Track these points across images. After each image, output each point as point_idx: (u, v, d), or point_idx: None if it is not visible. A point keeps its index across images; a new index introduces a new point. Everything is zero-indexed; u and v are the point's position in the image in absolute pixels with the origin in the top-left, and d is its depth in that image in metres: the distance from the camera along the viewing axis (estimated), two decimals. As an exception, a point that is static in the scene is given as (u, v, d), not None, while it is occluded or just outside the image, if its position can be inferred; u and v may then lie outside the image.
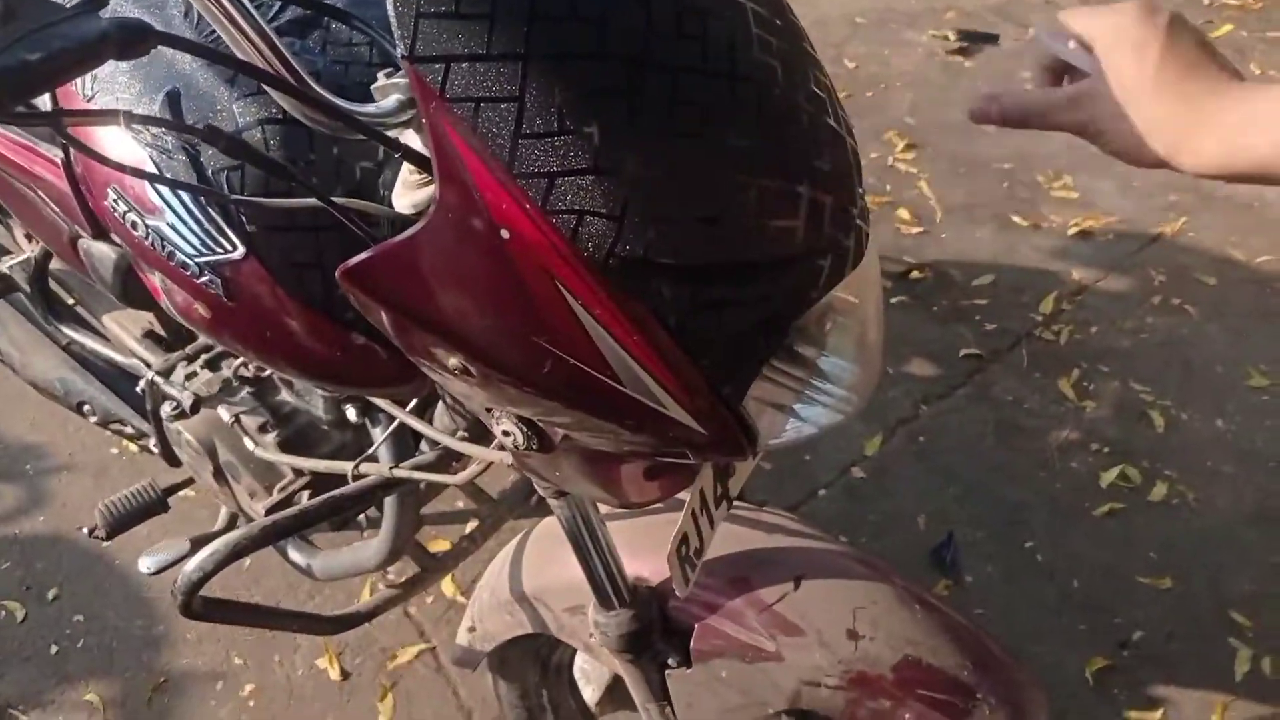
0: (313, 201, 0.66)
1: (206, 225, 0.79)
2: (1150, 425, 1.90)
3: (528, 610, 1.02)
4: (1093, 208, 2.32)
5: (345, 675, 1.55)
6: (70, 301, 1.51)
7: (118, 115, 0.62)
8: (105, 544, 1.71)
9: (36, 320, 1.46)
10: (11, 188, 1.15)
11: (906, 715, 0.86)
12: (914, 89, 2.64)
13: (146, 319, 1.38)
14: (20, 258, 1.44)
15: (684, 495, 0.82)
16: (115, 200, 0.82)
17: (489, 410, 0.70)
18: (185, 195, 0.78)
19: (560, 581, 0.98)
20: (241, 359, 1.17)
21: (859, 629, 0.88)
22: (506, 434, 0.72)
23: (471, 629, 1.08)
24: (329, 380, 0.91)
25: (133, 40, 0.53)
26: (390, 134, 0.60)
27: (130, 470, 1.83)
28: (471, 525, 1.64)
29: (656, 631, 0.95)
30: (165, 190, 0.79)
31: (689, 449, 0.66)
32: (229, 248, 0.79)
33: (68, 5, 0.57)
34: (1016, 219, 2.31)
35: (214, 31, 0.72)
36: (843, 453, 1.85)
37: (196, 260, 0.80)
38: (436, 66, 0.52)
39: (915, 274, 2.18)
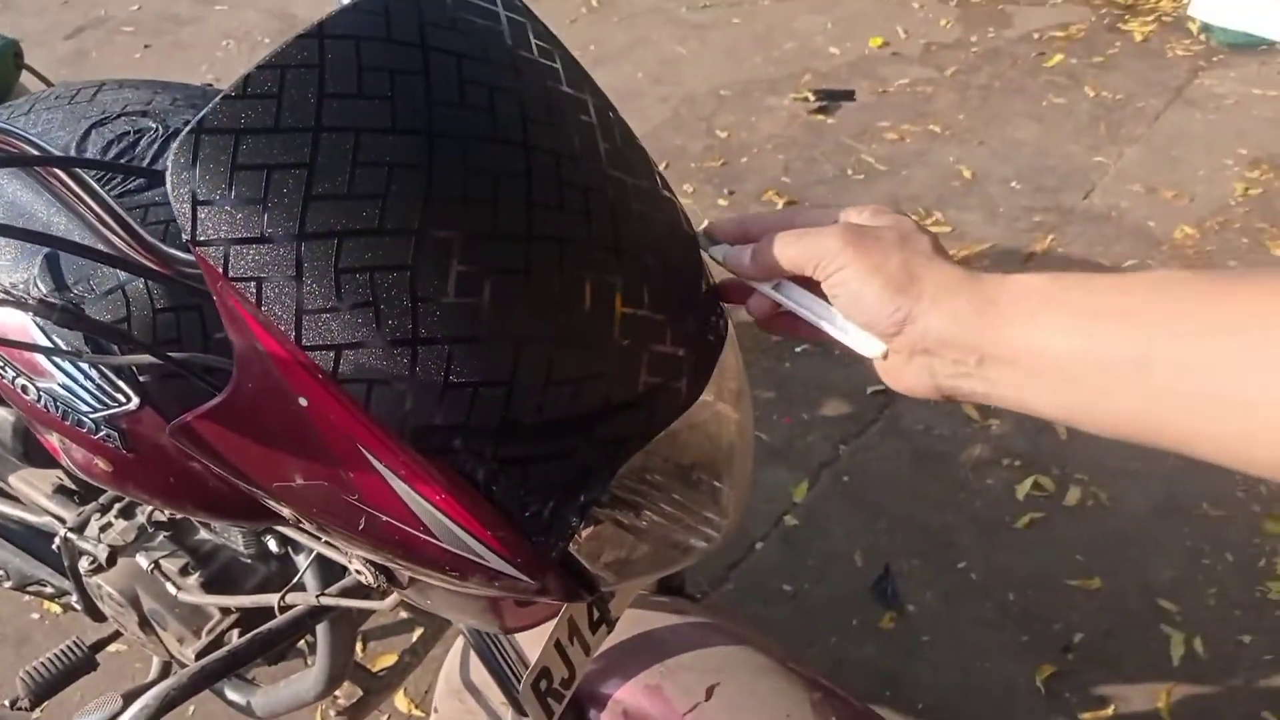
0: (148, 358, 0.68)
1: (98, 381, 0.79)
2: (1054, 434, 1.99)
3: (473, 699, 1.01)
4: (966, 238, 2.45)
5: (303, 815, 1.50)
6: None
7: None
8: (35, 715, 1.63)
9: (-65, 490, 1.41)
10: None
11: None
12: (784, 150, 2.77)
13: (55, 475, 1.35)
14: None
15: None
16: (3, 367, 0.82)
17: (341, 550, 0.71)
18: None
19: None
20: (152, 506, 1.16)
21: None
22: (359, 572, 0.74)
23: (435, 710, 1.07)
24: (239, 518, 0.91)
25: None
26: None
27: (54, 633, 1.76)
28: (416, 634, 1.63)
29: None
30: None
31: (522, 595, 0.65)
32: (123, 400, 0.79)
33: None
34: (899, 257, 2.42)
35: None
36: (773, 503, 1.89)
37: (92, 417, 0.80)
38: (218, 249, 0.53)
39: (813, 323, 2.27)
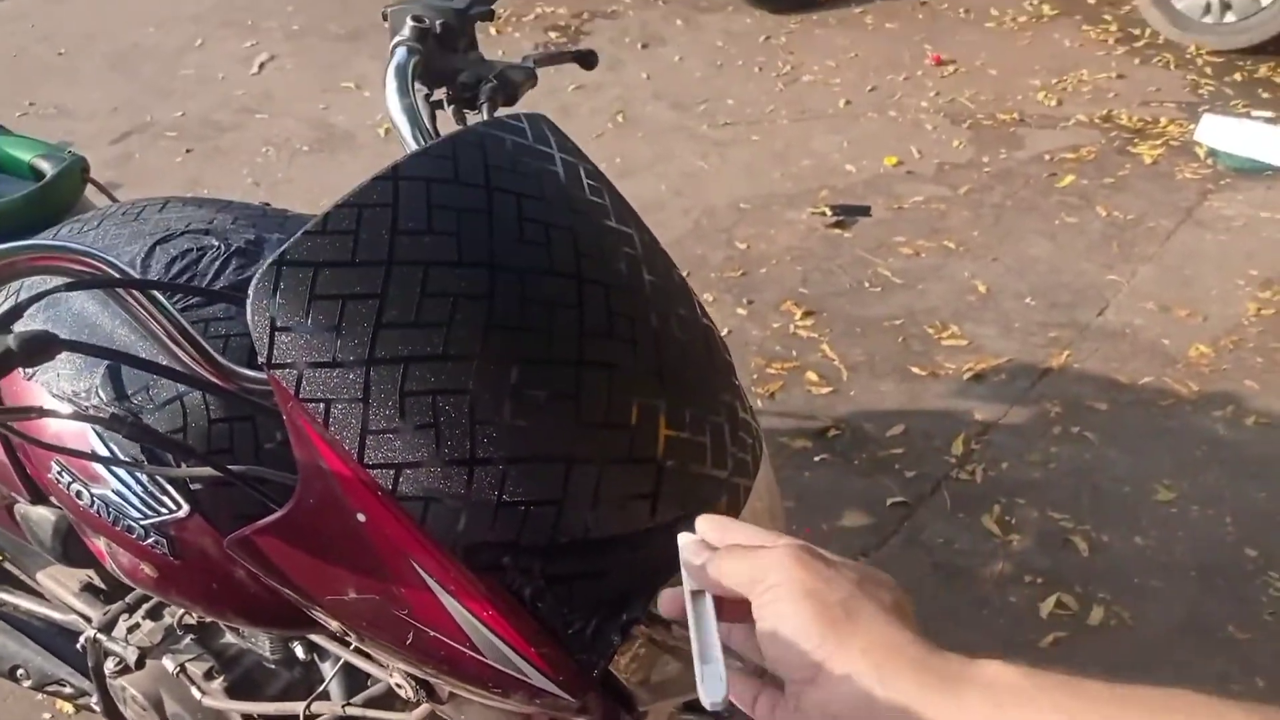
0: (209, 470, 0.71)
1: (150, 488, 0.82)
2: (1075, 551, 1.98)
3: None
4: (982, 351, 2.48)
5: None
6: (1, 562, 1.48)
7: (34, 410, 0.68)
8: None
9: (-36, 588, 1.43)
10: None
11: None
12: (802, 261, 2.84)
13: (84, 573, 1.36)
14: (-57, 526, 1.42)
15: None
16: (59, 473, 0.85)
17: (383, 664, 0.73)
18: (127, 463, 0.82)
19: None
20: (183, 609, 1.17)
21: None
22: (399, 686, 0.75)
23: None
24: (275, 625, 0.92)
25: (35, 351, 0.59)
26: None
27: (62, 741, 1.74)
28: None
29: None
30: (107, 461, 0.82)
31: (562, 714, 0.66)
32: (173, 508, 0.82)
33: None
34: (915, 370, 2.45)
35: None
36: (790, 618, 1.88)
37: (141, 523, 0.82)
38: (291, 372, 0.57)
39: (832, 431, 2.28)
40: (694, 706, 1.07)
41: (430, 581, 0.59)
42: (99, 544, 0.89)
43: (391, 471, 0.58)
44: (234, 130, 3.62)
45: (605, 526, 0.60)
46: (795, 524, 2.07)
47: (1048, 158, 3.27)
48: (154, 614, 1.22)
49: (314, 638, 1.04)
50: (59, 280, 0.68)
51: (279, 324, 0.58)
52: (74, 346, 0.64)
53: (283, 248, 0.60)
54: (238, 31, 4.28)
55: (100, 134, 3.59)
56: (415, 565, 0.59)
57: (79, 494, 0.84)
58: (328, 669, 1.09)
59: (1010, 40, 4.00)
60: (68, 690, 1.42)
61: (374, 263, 0.60)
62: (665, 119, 3.58)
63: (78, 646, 1.30)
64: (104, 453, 0.82)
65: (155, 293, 0.69)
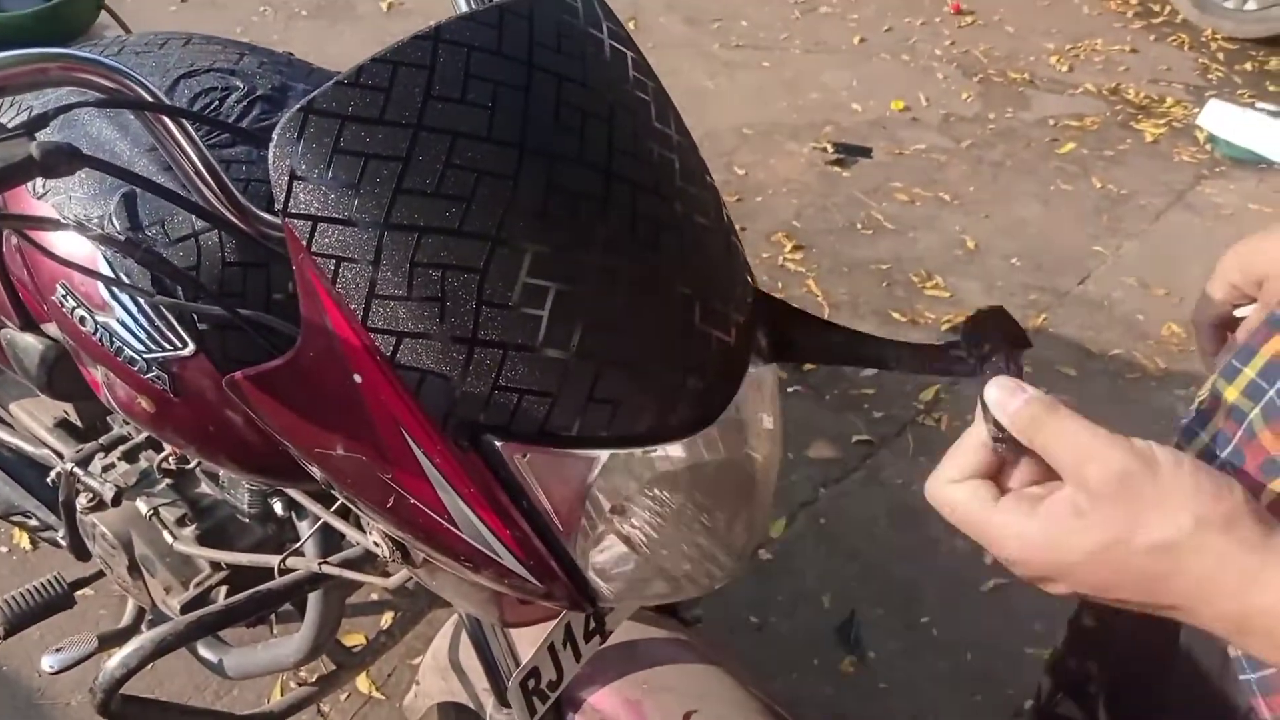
0: (218, 310, 0.71)
1: (157, 323, 0.81)
2: (1026, 505, 2.04)
3: (457, 681, 1.03)
4: (962, 305, 2.51)
5: (253, 779, 1.49)
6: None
7: (49, 221, 0.67)
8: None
9: (-66, 412, 1.41)
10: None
11: None
12: (797, 195, 2.83)
13: (60, 409, 1.36)
14: (-81, 346, 1.40)
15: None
16: (64, 296, 0.84)
17: (365, 522, 0.74)
18: (138, 294, 0.81)
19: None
20: (163, 453, 1.17)
21: None
22: (376, 544, 0.76)
23: (417, 683, 1.09)
24: (265, 474, 0.93)
25: (57, 163, 0.58)
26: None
27: (21, 569, 1.75)
28: (388, 618, 1.64)
29: None
30: (116, 289, 0.82)
31: (527, 595, 0.67)
32: (178, 345, 0.81)
33: (9, 125, 0.61)
34: (896, 314, 2.48)
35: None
36: (747, 537, 1.93)
37: (145, 356, 0.82)
38: (305, 224, 0.56)
39: (808, 366, 2.31)
40: (662, 609, 1.10)
41: (417, 451, 0.59)
42: (96, 374, 0.89)
43: (393, 339, 0.57)
44: (232, -15, 3.50)
45: (595, 425, 0.59)
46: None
47: (1052, 122, 3.27)
48: (130, 456, 1.22)
49: (294, 494, 1.05)
50: (85, 96, 0.66)
51: (299, 173, 0.57)
52: (97, 164, 0.63)
53: (311, 95, 0.59)
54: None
55: (91, -30, 3.45)
56: (404, 433, 0.59)
57: (82, 319, 0.83)
58: (304, 528, 1.11)
59: (1031, -1, 3.96)
60: (32, 523, 1.42)
61: (402, 124, 0.58)
62: (677, 32, 3.51)
63: (48, 480, 1.30)
64: (115, 283, 0.81)
65: (185, 123, 0.67)
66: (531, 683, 0.84)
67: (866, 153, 3.01)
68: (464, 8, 0.80)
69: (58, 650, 1.24)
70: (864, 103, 3.25)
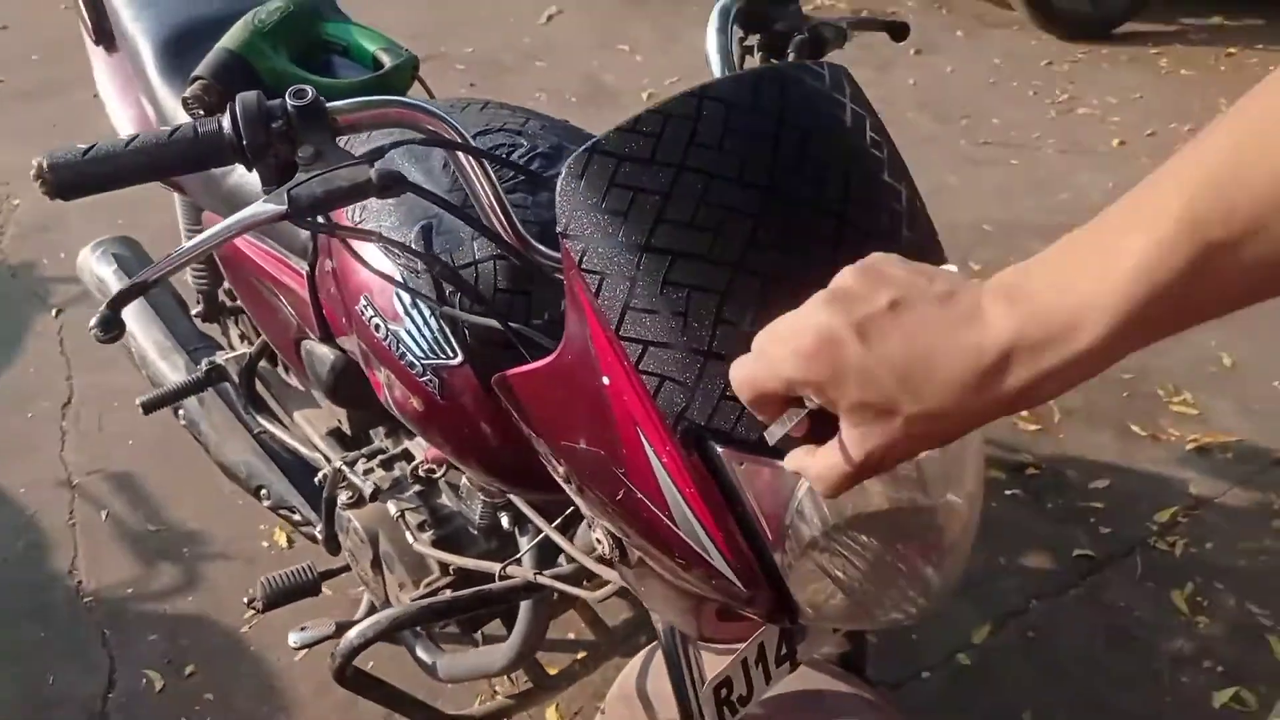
0: (493, 322, 0.83)
1: (435, 334, 0.95)
2: (1268, 650, 1.85)
3: (640, 709, 1.08)
4: (1211, 425, 2.34)
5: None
6: (268, 398, 1.70)
7: (374, 235, 0.81)
8: (244, 630, 1.85)
9: (236, 410, 1.66)
10: (254, 290, 1.36)
11: None
12: (1037, 297, 2.75)
13: (334, 420, 1.56)
14: (235, 354, 1.66)
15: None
16: (364, 306, 1.00)
17: (589, 518, 0.82)
18: (423, 308, 0.95)
19: (665, 691, 1.05)
20: (414, 463, 1.32)
21: None
22: (598, 541, 0.84)
23: (601, 712, 1.15)
24: (503, 479, 1.04)
25: (388, 186, 0.72)
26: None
27: (276, 563, 1.98)
28: (584, 655, 1.72)
29: None
30: (408, 303, 0.96)
31: (730, 601, 0.73)
32: (450, 354, 0.95)
33: (355, 154, 0.76)
34: (1135, 428, 2.34)
35: (456, 185, 0.92)
36: (950, 636, 1.86)
37: (422, 361, 0.96)
38: (579, 244, 0.67)
39: (1031, 470, 2.23)
40: (849, 664, 1.12)
41: (649, 449, 0.66)
42: (380, 376, 1.04)
43: (639, 346, 0.65)
44: (515, 73, 3.89)
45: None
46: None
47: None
48: (387, 465, 1.39)
49: (521, 505, 1.15)
50: (411, 135, 0.81)
51: (580, 201, 0.68)
52: (419, 190, 0.76)
53: (596, 137, 0.70)
54: (533, -19, 4.56)
55: (399, 54, 3.95)
56: (639, 432, 0.66)
57: (377, 326, 0.99)
58: (524, 543, 1.21)
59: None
60: (296, 517, 1.62)
61: (668, 165, 0.68)
62: (924, 128, 3.54)
63: (315, 481, 1.49)
64: (407, 294, 0.95)
65: (486, 163, 0.81)
66: (724, 692, 0.89)
67: (1115, 260, 2.89)
68: (718, 74, 0.90)
69: (302, 629, 1.41)
70: (1117, 209, 3.13)
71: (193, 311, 1.87)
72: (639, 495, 0.69)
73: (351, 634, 1.11)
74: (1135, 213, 0.44)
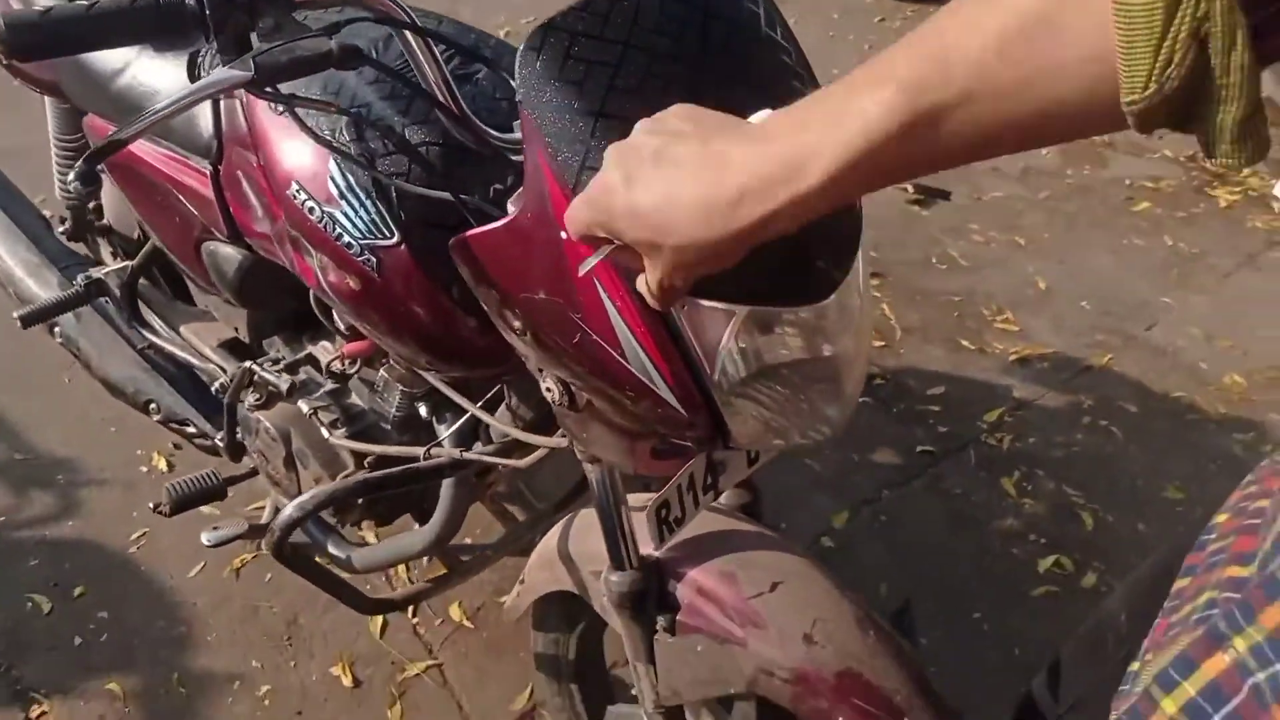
0: (445, 195, 0.90)
1: (372, 214, 1.00)
2: (1081, 524, 2.14)
3: (563, 569, 1.18)
4: (1030, 340, 2.63)
5: (357, 683, 1.66)
6: (150, 315, 1.68)
7: (331, 106, 0.87)
8: (133, 551, 1.83)
9: (118, 325, 1.63)
10: (150, 193, 1.35)
11: (841, 718, 0.99)
12: (877, 228, 2.98)
13: (225, 332, 1.56)
14: (114, 267, 1.63)
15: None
16: (296, 191, 1.04)
17: (540, 370, 0.90)
18: (359, 189, 1.00)
19: (590, 549, 1.14)
20: (329, 359, 1.36)
21: (814, 636, 1.00)
22: (548, 390, 0.93)
23: (521, 582, 1.24)
24: (434, 354, 1.10)
25: (348, 59, 0.78)
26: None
27: (156, 487, 1.96)
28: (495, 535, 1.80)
29: (652, 599, 1.06)
30: (343, 186, 1.01)
31: (672, 428, 0.83)
32: (387, 235, 1.00)
33: (314, 28, 0.82)
34: (965, 343, 2.61)
35: (403, 66, 0.98)
36: (814, 522, 2.06)
37: (360, 241, 1.01)
38: (537, 112, 0.74)
39: (878, 380, 2.45)
40: (750, 512, 1.25)
41: (604, 295, 0.75)
42: (311, 262, 1.07)
43: None
44: None
45: (739, 289, 0.74)
46: (830, 446, 2.24)
47: (1128, 182, 3.39)
48: (292, 369, 1.42)
49: (445, 390, 1.22)
50: (363, 14, 0.86)
51: (538, 73, 0.75)
52: (375, 64, 0.82)
53: (552, 16, 0.78)
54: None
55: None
56: (595, 280, 0.76)
57: (311, 209, 1.02)
58: (443, 430, 1.28)
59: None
60: (190, 429, 1.61)
61: (616, 41, 0.76)
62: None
63: (213, 390, 1.50)
64: (340, 181, 1.00)
65: (431, 42, 0.87)
66: (663, 512, 1.00)
67: (946, 195, 3.16)
68: None
69: (215, 529, 1.43)
70: (946, 150, 3.41)
71: (58, 230, 1.81)
72: (594, 337, 0.78)
73: (289, 508, 1.15)
74: (868, 75, 0.50)
